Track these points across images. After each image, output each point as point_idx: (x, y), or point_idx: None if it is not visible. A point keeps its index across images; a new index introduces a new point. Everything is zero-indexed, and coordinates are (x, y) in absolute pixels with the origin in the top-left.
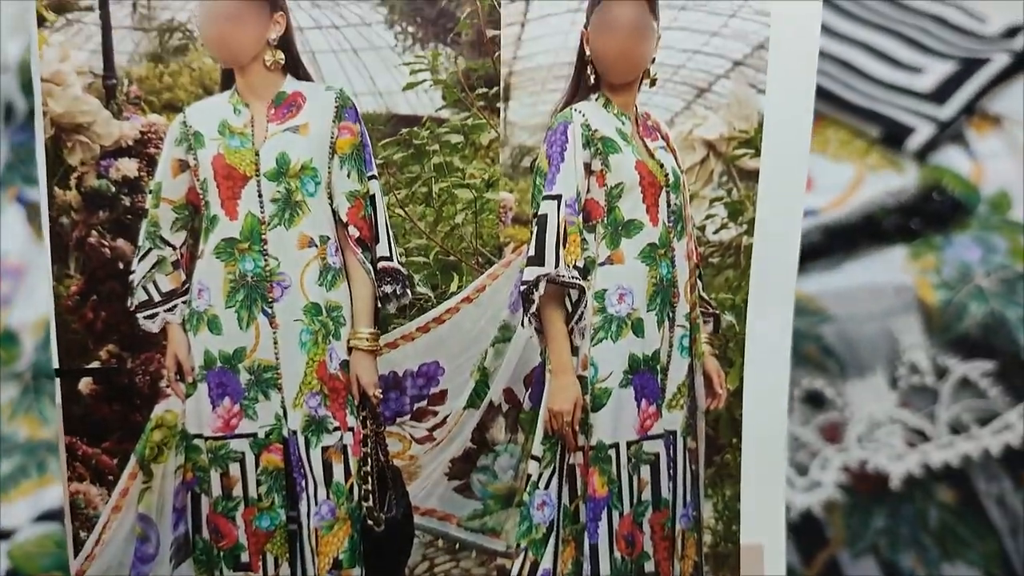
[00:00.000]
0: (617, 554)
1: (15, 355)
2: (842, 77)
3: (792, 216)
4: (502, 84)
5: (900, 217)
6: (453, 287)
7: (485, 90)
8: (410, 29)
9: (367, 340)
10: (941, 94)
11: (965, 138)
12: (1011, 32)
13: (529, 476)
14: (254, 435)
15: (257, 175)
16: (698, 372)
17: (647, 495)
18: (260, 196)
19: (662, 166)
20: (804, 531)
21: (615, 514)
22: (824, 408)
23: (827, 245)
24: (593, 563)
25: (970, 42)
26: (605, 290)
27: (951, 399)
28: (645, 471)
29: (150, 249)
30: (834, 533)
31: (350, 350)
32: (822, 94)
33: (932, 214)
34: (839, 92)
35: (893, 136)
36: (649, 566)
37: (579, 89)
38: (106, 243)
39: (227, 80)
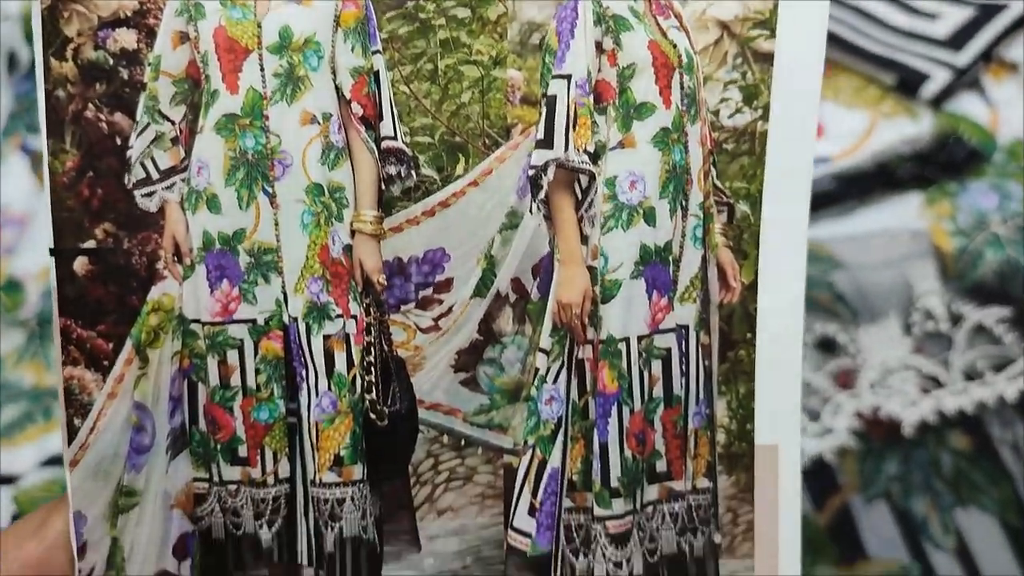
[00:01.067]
0: (628, 452)
1: (19, 302)
2: (856, 24)
3: (808, 102)
4: None
5: (915, 164)
6: (459, 170)
7: None
8: None
9: (371, 223)
10: (957, 40)
11: (981, 85)
12: None
13: (536, 370)
14: (253, 321)
15: (259, 48)
16: (711, 264)
17: (659, 392)
18: (262, 70)
19: (675, 46)
20: (816, 477)
21: (625, 411)
22: (836, 354)
23: (840, 192)
24: (603, 462)
25: None
26: (616, 176)
27: (966, 345)
28: (656, 367)
29: (148, 124)
30: (846, 479)
31: (353, 233)
32: (835, 41)
33: (947, 161)
34: (853, 39)
35: (908, 83)
36: (661, 465)
37: None
38: (103, 117)
39: None
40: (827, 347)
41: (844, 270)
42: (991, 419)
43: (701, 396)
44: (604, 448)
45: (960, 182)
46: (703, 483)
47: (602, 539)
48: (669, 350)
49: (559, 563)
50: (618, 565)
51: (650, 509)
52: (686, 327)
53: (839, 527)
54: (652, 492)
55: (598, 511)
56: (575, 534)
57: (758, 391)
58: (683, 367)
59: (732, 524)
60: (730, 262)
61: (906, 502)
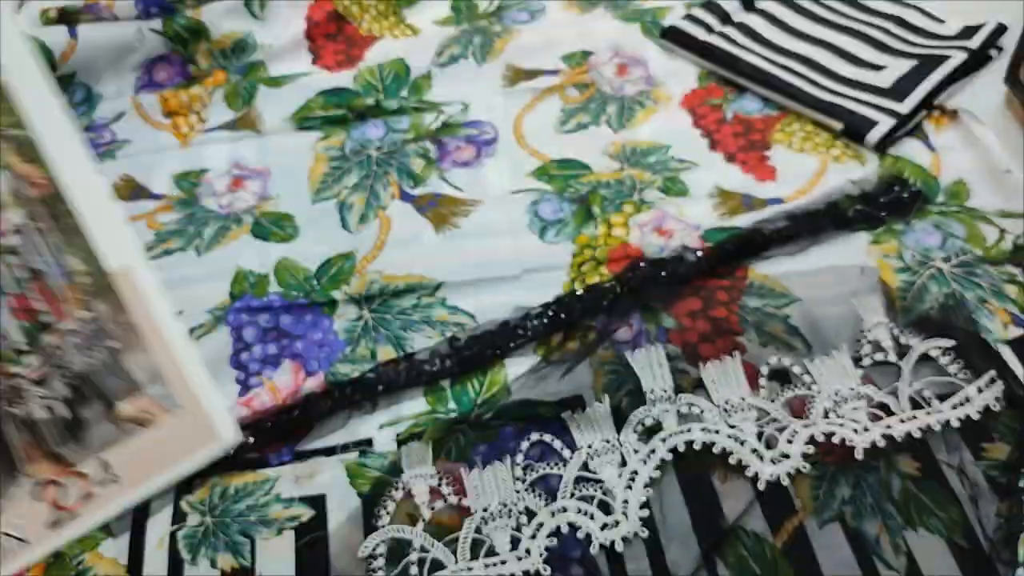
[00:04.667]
0: None
1: None
2: (808, 74)
3: None
4: None
5: (863, 205)
6: None
7: None
8: None
9: None
10: (901, 90)
11: (924, 131)
12: (968, 32)
13: None
14: None
15: None
16: None
17: None
18: None
19: None
20: (772, 501)
21: None
22: (791, 385)
23: (792, 232)
24: None
25: (929, 41)
26: None
27: (913, 375)
28: None
29: None
30: (801, 503)
31: None
32: (787, 91)
33: (894, 202)
34: (805, 88)
35: (855, 129)
36: None
37: None
38: None
39: None
40: (782, 378)
41: (798, 304)
42: (938, 444)
43: None
44: None
45: (906, 221)
46: None
47: None
48: None
49: None
50: None
51: None
52: None
53: (795, 549)
54: None
55: None
56: None
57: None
58: None
59: None
60: None
61: (858, 524)
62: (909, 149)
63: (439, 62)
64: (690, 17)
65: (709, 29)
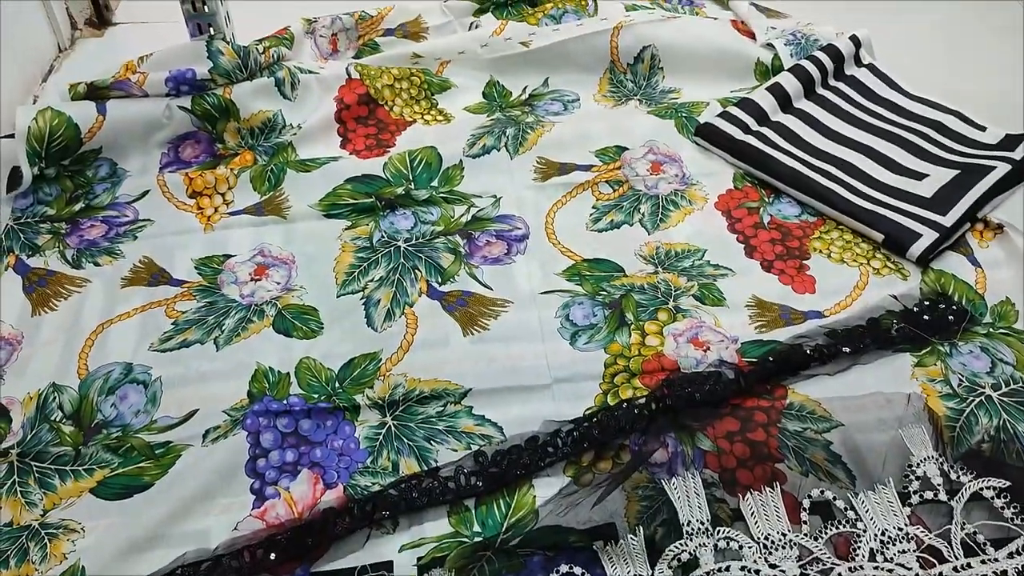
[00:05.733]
0: None
1: (2, 431)
2: (847, 180)
3: None
4: None
5: (906, 324)
6: None
7: None
8: None
9: None
10: (943, 201)
11: (968, 245)
12: (1010, 141)
13: None
14: None
15: None
16: None
17: None
18: None
19: None
20: None
21: None
22: (835, 520)
23: (833, 350)
24: None
25: (970, 149)
26: None
27: (964, 516)
28: None
29: None
30: None
31: None
32: (826, 198)
33: (938, 322)
34: (844, 194)
35: (897, 241)
36: None
37: None
38: None
39: None
40: (825, 511)
41: (840, 430)
42: None
43: None
44: None
45: (951, 343)
46: None
47: None
48: None
49: None
50: None
51: None
52: None
53: None
54: None
55: None
56: None
57: None
58: None
59: None
60: None
61: None
62: (953, 263)
63: (471, 152)
64: (726, 115)
65: (745, 128)
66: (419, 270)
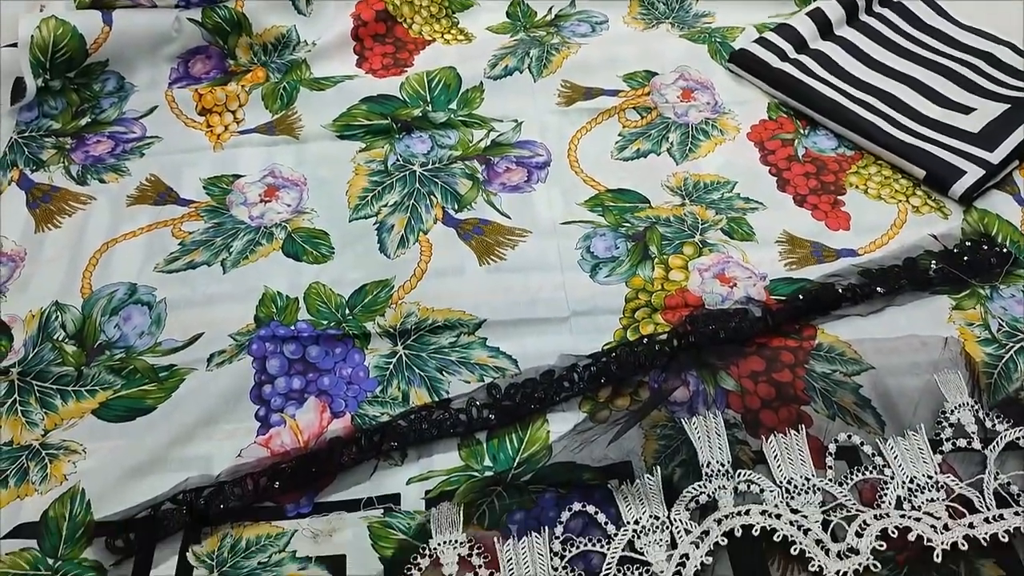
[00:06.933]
0: None
1: (3, 349)
2: (889, 113)
3: None
4: None
5: (945, 264)
6: None
7: None
8: None
9: None
10: (991, 136)
11: (1015, 184)
12: None
13: None
14: None
15: None
16: None
17: None
18: None
19: None
20: None
21: None
22: (861, 466)
23: (867, 290)
24: None
25: (1022, 83)
26: None
27: (998, 466)
28: None
29: None
30: None
31: None
32: (866, 131)
33: (980, 264)
34: (885, 128)
35: (939, 178)
36: None
37: None
38: None
39: None
40: (851, 457)
41: (870, 374)
42: None
43: None
44: None
45: (992, 286)
46: None
47: None
48: None
49: None
50: None
51: None
52: None
53: None
54: None
55: None
56: None
57: None
58: None
59: None
60: None
61: None
62: (998, 203)
63: (492, 74)
64: (762, 41)
65: (783, 56)
66: (435, 196)
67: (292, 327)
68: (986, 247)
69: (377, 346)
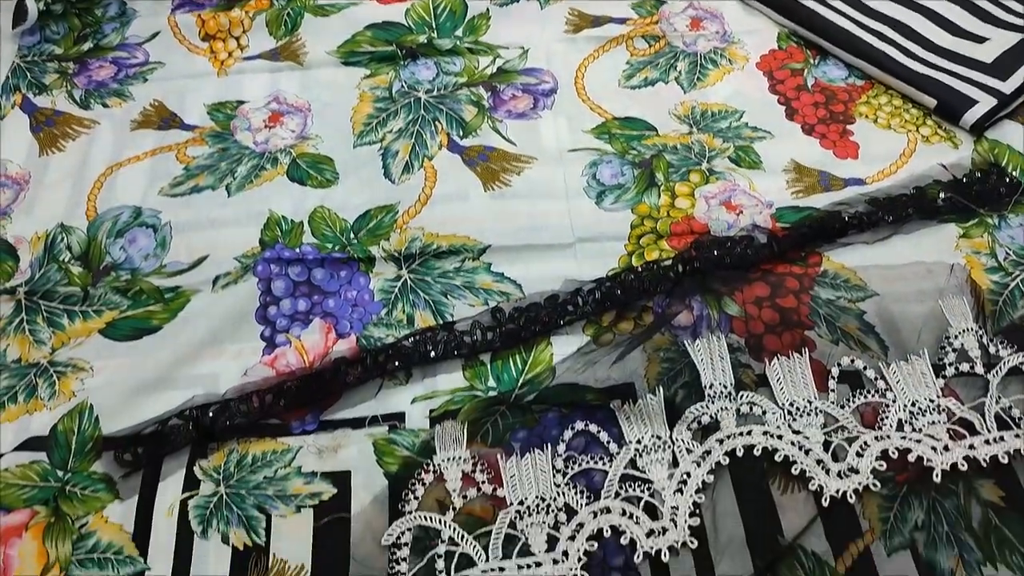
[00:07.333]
0: None
1: (10, 270)
2: (900, 42)
3: None
4: None
5: (954, 194)
6: None
7: None
8: None
9: None
10: (1004, 66)
11: None
12: None
13: None
14: None
15: None
16: None
17: None
18: None
19: None
20: (836, 520)
21: None
22: (863, 390)
23: (874, 218)
24: None
25: None
26: None
27: (1000, 390)
28: None
29: None
30: (869, 524)
31: None
32: (876, 60)
33: (989, 193)
34: (896, 57)
35: (950, 108)
36: None
37: None
38: None
39: None
40: (854, 381)
41: (875, 300)
42: None
43: None
44: None
45: (1000, 215)
46: None
47: None
48: None
49: None
50: None
51: None
52: None
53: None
54: None
55: None
56: None
57: None
58: None
59: None
60: None
61: (931, 554)
62: (1009, 133)
63: (499, 0)
64: None
65: None
66: (440, 122)
67: (297, 250)
68: (995, 177)
69: (382, 270)
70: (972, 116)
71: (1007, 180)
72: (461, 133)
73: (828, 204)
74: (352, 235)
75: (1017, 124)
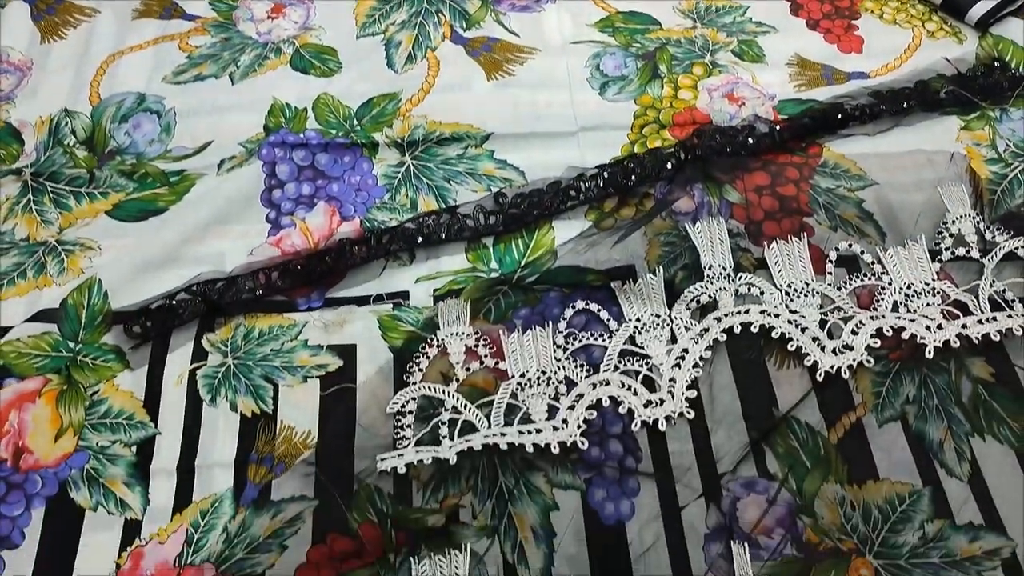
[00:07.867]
0: None
1: (16, 152)
2: None
3: None
4: None
5: (957, 87)
6: None
7: None
8: None
9: None
10: None
11: None
12: None
13: None
14: None
15: None
16: None
17: None
18: None
19: None
20: (830, 393)
21: None
22: (860, 274)
23: (876, 110)
24: None
25: None
26: None
27: (995, 274)
28: None
29: None
30: (861, 398)
31: None
32: None
33: (991, 86)
34: None
35: (956, 3)
36: None
37: None
38: None
39: None
40: (851, 265)
41: (874, 188)
42: (1016, 350)
43: None
44: None
45: (1002, 108)
46: None
47: None
48: None
49: None
50: None
51: None
52: None
53: (850, 446)
54: None
55: None
56: None
57: None
58: None
59: None
60: None
61: (922, 426)
62: (1013, 29)
63: None
64: None
65: None
66: (443, 14)
67: (301, 135)
68: (999, 71)
69: (385, 156)
70: (977, 11)
71: (1010, 74)
72: (464, 25)
73: (830, 97)
74: (356, 122)
75: (1021, 21)
